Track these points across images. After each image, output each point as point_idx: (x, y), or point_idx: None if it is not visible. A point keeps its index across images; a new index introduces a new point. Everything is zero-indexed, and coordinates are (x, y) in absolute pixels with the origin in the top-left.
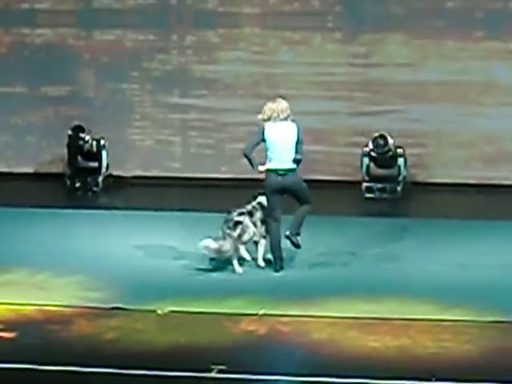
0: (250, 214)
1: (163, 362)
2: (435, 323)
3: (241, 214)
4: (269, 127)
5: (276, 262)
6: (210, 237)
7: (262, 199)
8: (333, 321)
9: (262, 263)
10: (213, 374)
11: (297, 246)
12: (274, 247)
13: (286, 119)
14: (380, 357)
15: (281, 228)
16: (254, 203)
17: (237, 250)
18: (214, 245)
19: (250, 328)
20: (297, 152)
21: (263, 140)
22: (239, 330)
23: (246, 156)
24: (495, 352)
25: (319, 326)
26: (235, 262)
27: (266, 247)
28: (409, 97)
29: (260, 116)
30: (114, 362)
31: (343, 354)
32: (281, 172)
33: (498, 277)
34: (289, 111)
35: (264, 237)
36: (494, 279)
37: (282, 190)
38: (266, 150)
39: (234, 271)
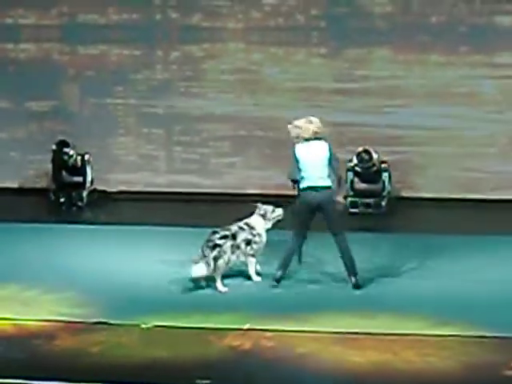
0: (234, 236)
1: (147, 376)
2: (419, 338)
3: (223, 237)
4: (299, 147)
5: (283, 270)
6: (196, 262)
7: (252, 220)
8: (317, 336)
9: (256, 278)
10: None
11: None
12: (287, 259)
13: (313, 139)
14: (364, 372)
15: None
16: (241, 223)
17: (216, 270)
18: (203, 271)
19: (235, 343)
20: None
21: (297, 160)
22: (224, 344)
23: (293, 180)
24: (478, 367)
25: (304, 341)
26: (218, 281)
27: (255, 263)
28: (393, 112)
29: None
30: (98, 376)
31: (327, 369)
32: (317, 188)
33: (486, 292)
34: (315, 130)
35: (252, 255)
36: (479, 294)
37: (316, 207)
38: (299, 170)
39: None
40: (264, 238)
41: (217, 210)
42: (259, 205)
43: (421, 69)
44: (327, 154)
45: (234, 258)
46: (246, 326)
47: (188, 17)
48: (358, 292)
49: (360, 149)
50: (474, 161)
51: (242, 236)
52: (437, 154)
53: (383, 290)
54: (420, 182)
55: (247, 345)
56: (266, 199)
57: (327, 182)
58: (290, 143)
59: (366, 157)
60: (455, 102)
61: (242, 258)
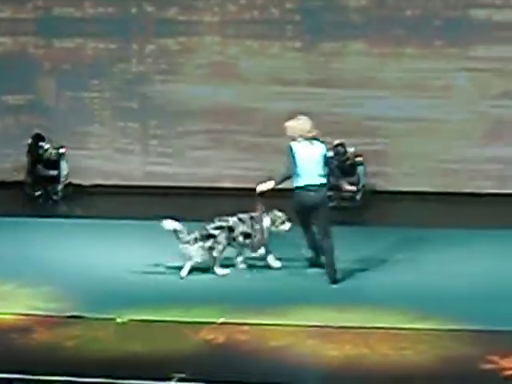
0: (231, 228)
1: (122, 370)
2: (395, 332)
3: (219, 227)
4: (296, 145)
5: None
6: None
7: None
8: (293, 329)
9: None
10: (172, 383)
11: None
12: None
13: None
14: (339, 365)
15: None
16: (244, 216)
17: (212, 260)
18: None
19: (210, 336)
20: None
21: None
22: (199, 338)
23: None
24: (454, 361)
25: (279, 335)
26: (216, 267)
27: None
28: (368, 106)
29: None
30: (73, 370)
31: (303, 363)
32: (312, 188)
33: (463, 285)
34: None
35: (252, 248)
36: (453, 287)
37: (312, 207)
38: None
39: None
40: (265, 236)
41: (193, 203)
42: (275, 211)
43: (396, 62)
44: (324, 153)
45: (225, 249)
46: (221, 320)
47: (164, 10)
48: (335, 286)
49: (335, 142)
50: (449, 154)
51: (240, 228)
52: (412, 146)
53: (360, 283)
54: (395, 175)
55: (222, 338)
56: (242, 193)
57: (324, 180)
58: (266, 136)
59: (341, 150)
60: (430, 95)
61: (238, 249)
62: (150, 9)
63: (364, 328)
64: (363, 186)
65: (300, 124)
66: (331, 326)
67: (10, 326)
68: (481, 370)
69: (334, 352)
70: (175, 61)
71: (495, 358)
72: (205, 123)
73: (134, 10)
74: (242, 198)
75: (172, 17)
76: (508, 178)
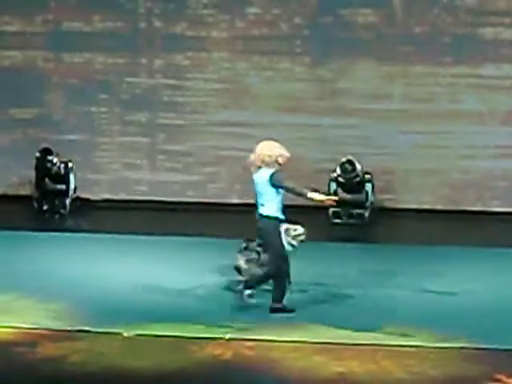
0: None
1: None
2: (401, 349)
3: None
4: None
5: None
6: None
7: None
8: (299, 345)
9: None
10: None
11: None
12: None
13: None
14: (346, 382)
15: None
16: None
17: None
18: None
19: (216, 352)
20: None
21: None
22: (205, 353)
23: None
24: (460, 378)
25: (285, 351)
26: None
27: None
28: (376, 122)
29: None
30: None
31: (309, 379)
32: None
33: (465, 303)
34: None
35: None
36: (460, 305)
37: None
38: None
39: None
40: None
41: (200, 219)
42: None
43: (403, 79)
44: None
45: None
46: (228, 336)
47: (172, 25)
48: (338, 303)
49: (343, 159)
50: (456, 173)
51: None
52: (419, 165)
53: (369, 300)
54: (403, 193)
55: (228, 354)
56: (247, 209)
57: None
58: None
59: (349, 167)
60: (438, 113)
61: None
62: (158, 24)
63: (370, 345)
64: (371, 203)
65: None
66: (336, 343)
67: (16, 340)
68: None
69: (340, 368)
70: (184, 76)
71: (502, 377)
72: (213, 139)
73: (142, 25)
74: (249, 214)
75: (181, 32)
76: None
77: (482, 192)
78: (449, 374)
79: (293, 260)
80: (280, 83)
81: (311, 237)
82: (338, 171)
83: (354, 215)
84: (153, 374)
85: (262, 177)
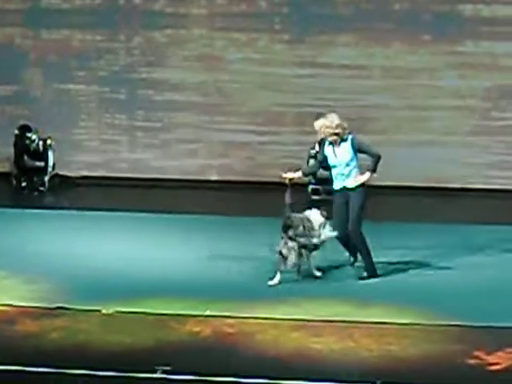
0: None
1: (107, 362)
2: (380, 326)
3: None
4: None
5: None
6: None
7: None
8: (278, 322)
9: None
10: (157, 375)
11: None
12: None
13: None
14: (324, 359)
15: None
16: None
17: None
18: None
19: (195, 329)
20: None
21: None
22: (184, 330)
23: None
24: (438, 356)
25: (264, 328)
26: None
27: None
28: (356, 99)
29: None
30: (58, 361)
31: (288, 356)
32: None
33: (443, 280)
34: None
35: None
36: (439, 283)
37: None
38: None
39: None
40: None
41: (178, 195)
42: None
43: (383, 56)
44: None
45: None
46: (207, 313)
47: (151, 2)
48: (319, 280)
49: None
50: (436, 149)
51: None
52: (399, 141)
53: (348, 278)
54: (382, 170)
55: (207, 331)
56: (228, 186)
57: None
58: (251, 129)
59: None
60: (417, 90)
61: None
62: (137, 1)
63: (349, 322)
64: None
65: (328, 122)
66: (315, 320)
67: None
68: (466, 366)
69: (317, 345)
70: (162, 53)
71: (481, 354)
72: (192, 115)
73: (121, 2)
74: (228, 191)
75: (159, 9)
76: (496, 173)
77: (461, 169)
78: (428, 352)
79: (272, 236)
80: (259, 60)
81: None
82: (317, 148)
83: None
84: (131, 352)
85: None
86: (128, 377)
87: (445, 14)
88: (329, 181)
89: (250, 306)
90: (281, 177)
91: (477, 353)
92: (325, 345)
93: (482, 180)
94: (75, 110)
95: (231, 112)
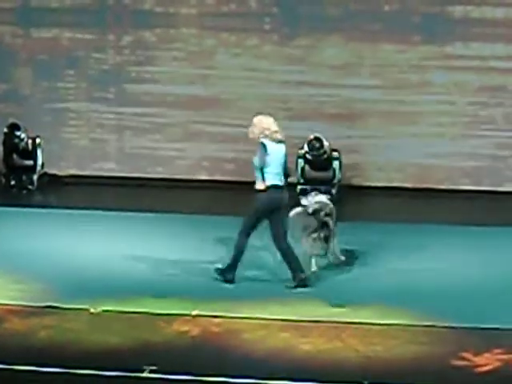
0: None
1: (95, 361)
2: (367, 327)
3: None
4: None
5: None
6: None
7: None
8: (266, 322)
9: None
10: (145, 374)
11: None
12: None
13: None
14: (311, 359)
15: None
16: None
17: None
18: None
19: (183, 328)
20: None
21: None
22: (172, 330)
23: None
24: (426, 357)
25: (252, 328)
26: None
27: None
28: (345, 100)
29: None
30: (46, 360)
31: (275, 356)
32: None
33: (432, 281)
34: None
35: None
36: (427, 284)
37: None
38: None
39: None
40: None
41: (167, 195)
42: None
43: (372, 57)
44: (286, 154)
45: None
46: (195, 312)
47: (141, 2)
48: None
49: (311, 136)
50: (424, 150)
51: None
52: (387, 143)
53: (333, 278)
54: (370, 171)
55: (195, 331)
56: (215, 185)
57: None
58: (240, 129)
59: (316, 144)
60: (407, 91)
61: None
62: (126, 0)
63: (336, 323)
64: (339, 180)
65: (268, 123)
66: (304, 320)
67: None
68: (452, 367)
69: (306, 346)
70: (152, 52)
71: (469, 356)
72: (181, 115)
73: (110, 1)
74: (217, 191)
75: (149, 8)
76: (483, 174)
77: (451, 170)
78: (415, 353)
79: (261, 236)
80: (249, 60)
81: None
82: (306, 148)
83: (322, 192)
84: (119, 350)
85: (281, 149)
86: (116, 376)
87: (434, 16)
88: (318, 181)
89: (238, 305)
90: None
91: (464, 354)
92: (313, 345)
93: (469, 181)
94: (64, 108)
95: (221, 111)
